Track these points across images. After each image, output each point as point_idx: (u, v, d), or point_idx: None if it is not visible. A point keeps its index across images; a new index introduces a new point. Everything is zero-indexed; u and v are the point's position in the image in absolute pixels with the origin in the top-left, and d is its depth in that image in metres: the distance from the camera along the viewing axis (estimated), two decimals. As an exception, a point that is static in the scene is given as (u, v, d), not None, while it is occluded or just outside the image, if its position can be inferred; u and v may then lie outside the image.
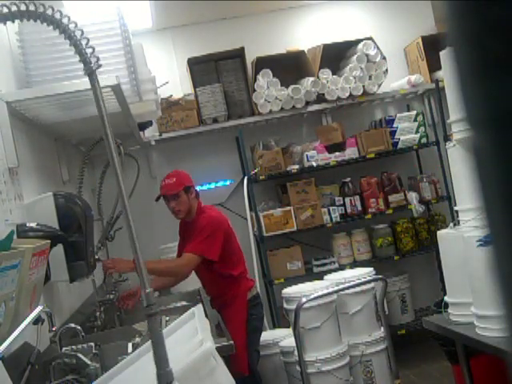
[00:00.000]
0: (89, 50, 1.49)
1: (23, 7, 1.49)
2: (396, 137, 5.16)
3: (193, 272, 3.78)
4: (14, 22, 1.56)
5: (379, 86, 5.27)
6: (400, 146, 5.17)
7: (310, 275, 4.81)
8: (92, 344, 2.17)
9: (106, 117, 1.47)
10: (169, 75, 5.00)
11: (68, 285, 2.88)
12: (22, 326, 1.79)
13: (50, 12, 1.48)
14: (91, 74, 1.49)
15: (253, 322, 3.77)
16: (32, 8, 1.49)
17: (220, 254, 3.62)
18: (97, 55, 1.51)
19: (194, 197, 3.76)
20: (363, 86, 5.18)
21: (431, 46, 5.13)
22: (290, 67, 5.29)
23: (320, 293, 3.52)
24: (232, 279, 3.74)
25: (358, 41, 5.21)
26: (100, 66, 1.50)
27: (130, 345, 2.48)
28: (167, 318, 3.18)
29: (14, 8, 1.51)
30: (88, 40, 1.50)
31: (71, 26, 1.48)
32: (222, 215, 3.87)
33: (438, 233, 3.05)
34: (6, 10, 1.50)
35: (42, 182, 3.03)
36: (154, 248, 4.75)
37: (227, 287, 3.75)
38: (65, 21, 1.48)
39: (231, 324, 3.65)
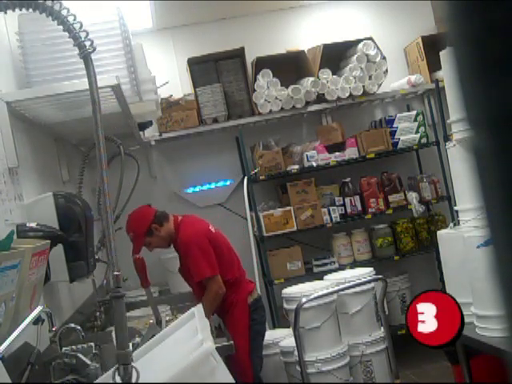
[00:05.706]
0: (83, 34, 1.48)
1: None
2: (396, 137, 5.16)
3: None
4: (6, 12, 1.55)
5: (379, 86, 5.27)
6: (400, 146, 5.17)
7: (310, 275, 4.81)
8: (92, 344, 2.16)
9: (97, 94, 1.47)
10: (169, 75, 4.99)
11: (68, 285, 2.88)
12: (22, 325, 1.79)
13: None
14: (86, 57, 1.48)
15: (255, 327, 3.68)
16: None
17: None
18: (91, 39, 1.50)
19: (161, 226, 3.64)
20: (363, 86, 5.18)
21: (431, 46, 5.13)
22: (290, 67, 5.29)
23: (320, 293, 3.52)
24: (228, 285, 3.60)
25: (358, 41, 5.21)
26: (95, 48, 1.49)
27: (129, 345, 2.47)
28: (167, 318, 3.17)
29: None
30: (81, 24, 1.49)
31: (63, 11, 1.47)
32: (197, 227, 3.70)
33: (438, 233, 3.05)
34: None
35: (42, 182, 3.02)
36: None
37: (224, 294, 3.58)
38: (57, 7, 1.47)
39: (233, 331, 3.60)
